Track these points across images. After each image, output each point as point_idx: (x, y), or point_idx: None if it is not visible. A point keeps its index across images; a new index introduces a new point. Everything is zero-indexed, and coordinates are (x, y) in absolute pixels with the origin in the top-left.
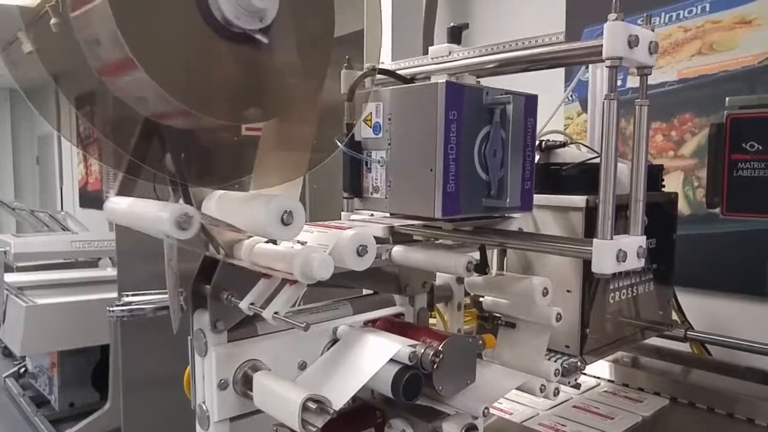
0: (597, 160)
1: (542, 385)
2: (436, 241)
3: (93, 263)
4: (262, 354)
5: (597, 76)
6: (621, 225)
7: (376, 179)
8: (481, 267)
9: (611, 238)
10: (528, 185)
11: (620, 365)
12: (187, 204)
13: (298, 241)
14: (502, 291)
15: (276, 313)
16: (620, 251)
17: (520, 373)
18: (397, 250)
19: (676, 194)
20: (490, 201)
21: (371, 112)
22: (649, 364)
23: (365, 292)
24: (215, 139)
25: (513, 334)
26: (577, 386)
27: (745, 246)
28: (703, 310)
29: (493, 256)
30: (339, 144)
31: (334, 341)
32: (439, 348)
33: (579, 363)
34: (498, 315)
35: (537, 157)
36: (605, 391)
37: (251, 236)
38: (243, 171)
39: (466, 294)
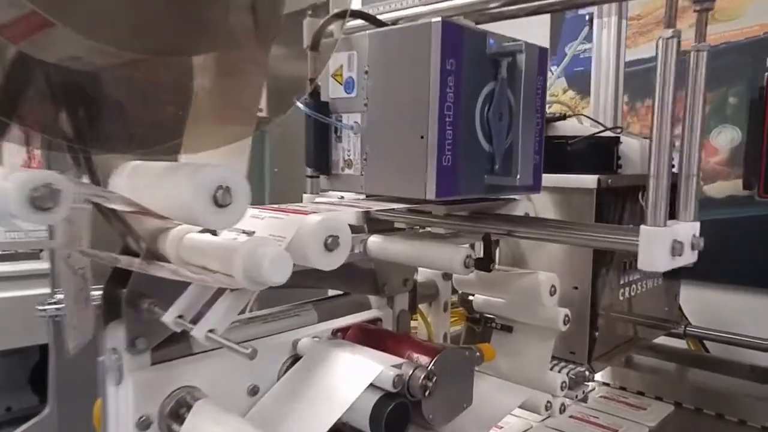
0: (606, 134)
1: (548, 401)
2: (420, 230)
3: (34, 255)
4: (198, 378)
5: (602, 38)
6: (630, 213)
7: (349, 151)
8: (485, 262)
9: (665, 225)
10: (537, 160)
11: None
12: (92, 181)
13: (245, 231)
14: (498, 289)
15: (211, 331)
16: (676, 242)
17: (522, 387)
18: (375, 241)
19: None
20: (494, 178)
21: (342, 65)
22: (643, 362)
23: (332, 292)
24: (128, 87)
25: (510, 339)
26: (585, 399)
27: (747, 233)
28: (699, 304)
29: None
30: (301, 106)
31: (295, 358)
32: (431, 367)
33: (587, 372)
34: (491, 316)
35: None
36: (602, 397)
37: (180, 224)
38: (168, 134)
39: (453, 291)
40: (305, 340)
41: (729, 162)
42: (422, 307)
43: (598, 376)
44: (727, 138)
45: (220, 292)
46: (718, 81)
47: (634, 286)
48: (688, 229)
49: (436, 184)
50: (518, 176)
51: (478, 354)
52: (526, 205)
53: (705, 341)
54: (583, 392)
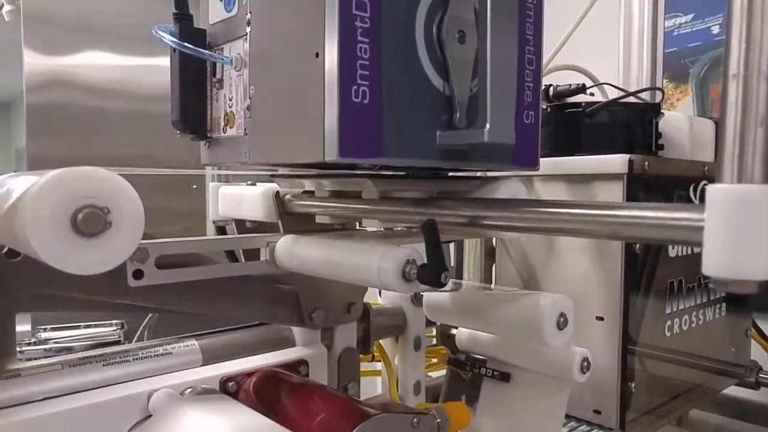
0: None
1: None
2: (361, 227)
3: None
4: None
5: None
6: None
7: (231, 99)
8: (433, 269)
9: (762, 180)
10: (531, 118)
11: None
12: None
13: None
14: (484, 318)
15: None
16: None
17: None
18: (283, 245)
19: None
20: (452, 135)
21: None
22: (700, 418)
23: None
24: None
25: (506, 391)
26: None
27: None
28: None
29: (473, 258)
30: (162, 36)
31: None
32: None
33: None
34: (481, 358)
35: (543, 106)
36: None
37: None
38: None
39: (429, 323)
40: (161, 393)
41: None
42: (386, 343)
43: None
44: None
45: None
46: None
47: (686, 317)
48: None
49: (340, 133)
50: (488, 126)
51: (438, 420)
52: (514, 187)
53: None
54: None
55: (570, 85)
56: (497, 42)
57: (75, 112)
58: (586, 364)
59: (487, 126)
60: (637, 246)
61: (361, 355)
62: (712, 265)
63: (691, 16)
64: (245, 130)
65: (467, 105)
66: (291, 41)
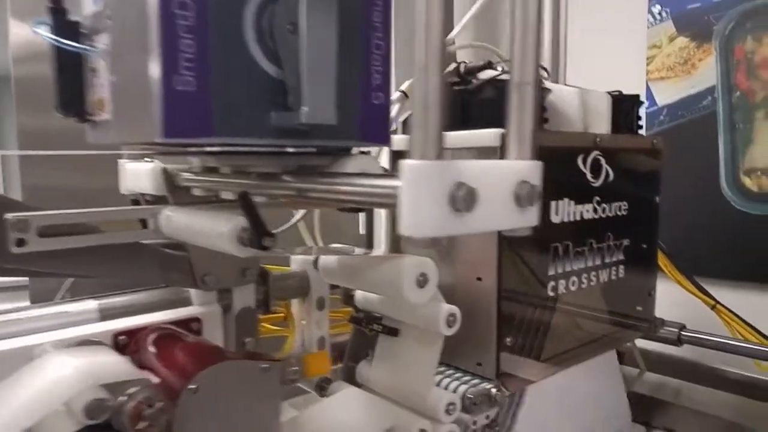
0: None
1: (422, 430)
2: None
3: None
4: None
5: None
6: (563, 187)
7: (102, 87)
8: (254, 234)
9: (438, 158)
10: (381, 99)
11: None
12: None
13: None
14: (364, 278)
15: None
16: (458, 186)
17: (392, 409)
18: (164, 215)
19: (659, 139)
20: (281, 115)
21: None
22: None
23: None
24: None
25: (395, 344)
26: (492, 426)
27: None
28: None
29: (384, 229)
30: (39, 32)
31: None
32: (193, 385)
33: (494, 390)
34: (377, 315)
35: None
36: None
37: None
38: None
39: (334, 286)
40: (46, 346)
41: None
42: (295, 303)
43: None
44: None
45: None
46: None
47: (574, 278)
48: (503, 170)
49: (165, 116)
50: (306, 108)
51: (295, 368)
52: (364, 161)
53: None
54: (488, 417)
55: (482, 62)
56: (314, 33)
57: None
58: (452, 318)
59: (305, 108)
60: None
61: (266, 314)
62: (403, 226)
63: None
64: (111, 113)
65: (298, 89)
66: (133, 36)
